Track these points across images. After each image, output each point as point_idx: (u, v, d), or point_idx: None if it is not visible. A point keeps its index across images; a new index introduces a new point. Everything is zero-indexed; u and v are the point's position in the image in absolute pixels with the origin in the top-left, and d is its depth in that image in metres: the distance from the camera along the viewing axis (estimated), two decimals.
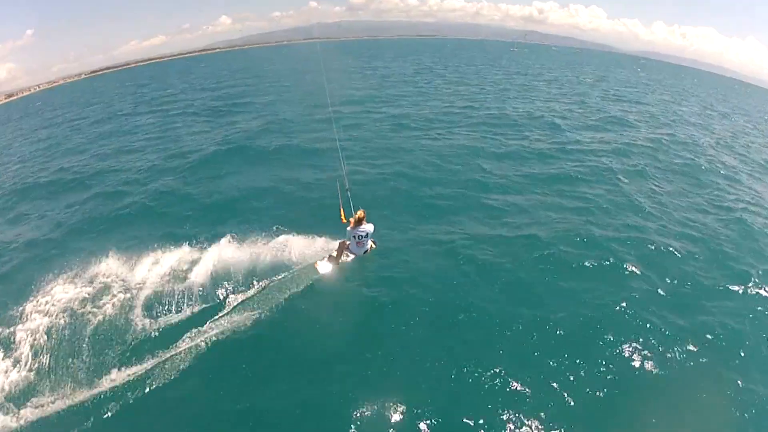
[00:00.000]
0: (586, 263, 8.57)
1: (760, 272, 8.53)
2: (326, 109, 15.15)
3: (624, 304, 7.44)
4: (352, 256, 7.76)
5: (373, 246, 7.74)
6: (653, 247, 9.20)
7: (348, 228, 7.29)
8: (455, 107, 21.75)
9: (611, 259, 8.72)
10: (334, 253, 7.86)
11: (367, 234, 7.35)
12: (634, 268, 8.43)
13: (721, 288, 8.11)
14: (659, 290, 7.93)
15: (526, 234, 9.49)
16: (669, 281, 8.20)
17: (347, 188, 7.49)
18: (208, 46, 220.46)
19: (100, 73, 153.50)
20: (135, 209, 11.13)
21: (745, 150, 18.70)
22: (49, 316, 7.09)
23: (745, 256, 9.14)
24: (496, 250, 8.89)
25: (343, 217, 7.37)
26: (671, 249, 9.18)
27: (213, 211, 10.65)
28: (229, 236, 8.81)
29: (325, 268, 7.88)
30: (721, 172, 14.64)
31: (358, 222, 7.17)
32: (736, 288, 8.10)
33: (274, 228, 9.10)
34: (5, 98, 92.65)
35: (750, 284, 8.19)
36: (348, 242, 7.59)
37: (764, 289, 8.08)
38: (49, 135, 22.69)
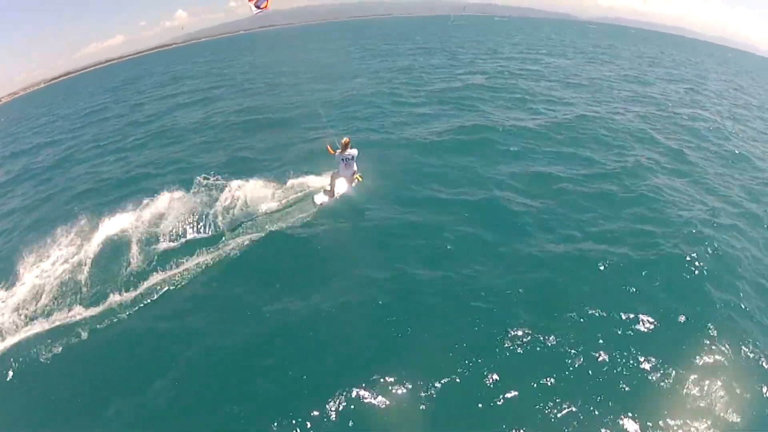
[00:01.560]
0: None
1: None
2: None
3: None
4: (343, 190, 9.33)
5: (360, 179, 9.40)
6: None
7: (337, 153, 8.88)
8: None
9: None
10: (328, 187, 9.42)
11: (353, 157, 8.95)
12: None
13: None
14: None
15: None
16: None
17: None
18: (167, 41, 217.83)
19: (60, 79, 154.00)
20: None
21: None
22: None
23: None
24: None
25: (330, 149, 9.04)
26: None
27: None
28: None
29: (321, 199, 9.35)
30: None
31: (345, 147, 8.81)
32: None
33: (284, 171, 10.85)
34: None
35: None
36: (337, 169, 9.12)
37: None
38: None
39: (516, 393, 5.43)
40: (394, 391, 5.46)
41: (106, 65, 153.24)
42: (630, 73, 29.81)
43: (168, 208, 9.43)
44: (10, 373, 6.34)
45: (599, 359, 5.90)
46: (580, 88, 22.47)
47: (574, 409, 5.25)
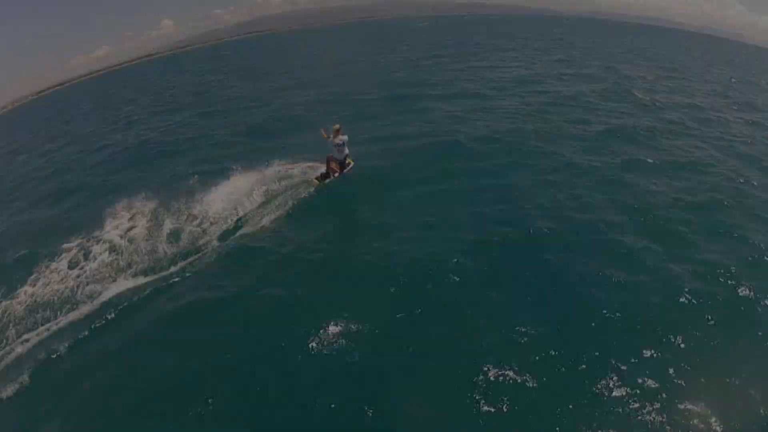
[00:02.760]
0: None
1: None
2: None
3: None
4: (338, 173, 10.41)
5: (352, 163, 10.59)
6: None
7: (329, 139, 9.84)
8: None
9: None
10: (325, 169, 10.58)
11: (344, 142, 9.94)
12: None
13: None
14: None
15: None
16: None
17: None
18: (153, 50, 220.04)
19: (48, 92, 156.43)
20: None
21: None
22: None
23: None
24: None
25: (324, 133, 10.00)
26: None
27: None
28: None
29: (320, 180, 10.50)
30: None
31: (336, 133, 9.77)
32: None
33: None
34: None
35: None
36: (331, 153, 10.14)
37: None
38: None
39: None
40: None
41: (90, 78, 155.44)
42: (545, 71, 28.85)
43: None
44: None
45: None
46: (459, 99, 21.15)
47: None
